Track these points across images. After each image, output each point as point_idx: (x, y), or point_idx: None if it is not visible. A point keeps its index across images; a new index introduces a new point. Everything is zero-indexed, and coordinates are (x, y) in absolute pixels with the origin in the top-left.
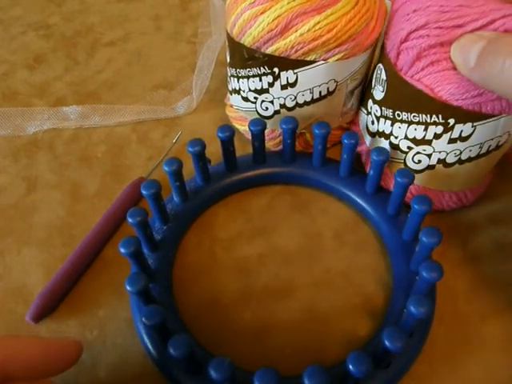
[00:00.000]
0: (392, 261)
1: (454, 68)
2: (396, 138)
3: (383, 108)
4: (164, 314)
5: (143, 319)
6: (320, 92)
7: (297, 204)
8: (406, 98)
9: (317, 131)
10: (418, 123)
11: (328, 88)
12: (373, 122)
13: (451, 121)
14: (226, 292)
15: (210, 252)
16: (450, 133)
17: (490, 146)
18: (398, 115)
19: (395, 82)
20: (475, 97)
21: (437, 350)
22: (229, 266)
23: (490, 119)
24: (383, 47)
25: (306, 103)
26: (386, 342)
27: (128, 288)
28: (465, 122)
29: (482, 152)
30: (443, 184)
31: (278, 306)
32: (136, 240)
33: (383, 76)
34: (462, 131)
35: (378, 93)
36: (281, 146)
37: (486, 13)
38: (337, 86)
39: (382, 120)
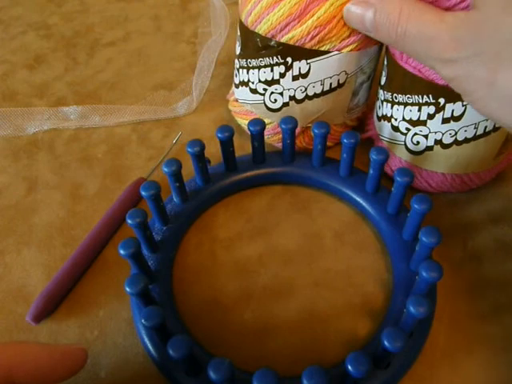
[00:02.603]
0: (392, 260)
1: None
2: (396, 120)
3: (385, 92)
4: (163, 315)
5: (142, 320)
6: (331, 84)
7: (297, 204)
8: (399, 81)
9: (316, 131)
10: (412, 104)
11: (339, 80)
12: (379, 107)
13: (441, 100)
14: (226, 292)
15: (209, 252)
16: (442, 112)
17: (486, 127)
18: (395, 97)
19: (391, 66)
20: None
21: (437, 350)
22: (229, 266)
23: None
24: None
25: (315, 95)
26: (386, 343)
27: (127, 289)
28: (454, 102)
29: (478, 133)
30: (444, 166)
31: (278, 306)
32: (135, 241)
33: (385, 62)
34: (453, 110)
35: (383, 78)
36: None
37: None
38: (347, 78)
39: (384, 103)
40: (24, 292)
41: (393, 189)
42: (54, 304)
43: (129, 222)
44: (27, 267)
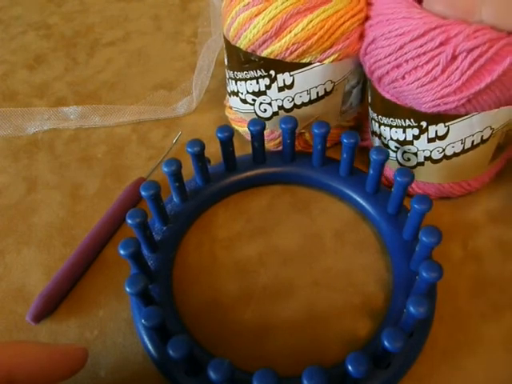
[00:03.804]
0: (392, 260)
1: (403, 77)
2: (385, 138)
3: (372, 111)
4: (163, 316)
5: (142, 321)
6: (317, 93)
7: (297, 204)
8: (380, 105)
9: (316, 131)
10: (397, 127)
11: (325, 88)
12: (371, 122)
13: (423, 123)
14: (226, 292)
15: (209, 252)
16: (426, 134)
17: (473, 141)
18: (381, 119)
19: (372, 91)
20: (435, 107)
21: (437, 350)
22: (229, 266)
23: (461, 119)
24: None
25: (303, 104)
26: (386, 343)
27: (127, 289)
28: (436, 123)
29: (466, 147)
30: (439, 177)
31: (278, 306)
32: (135, 241)
33: (368, 83)
34: (436, 131)
35: (369, 97)
36: (281, 147)
37: (420, 25)
38: (334, 86)
39: (373, 121)
40: (24, 292)
41: (393, 189)
42: (53, 304)
43: (129, 221)
44: (27, 267)
